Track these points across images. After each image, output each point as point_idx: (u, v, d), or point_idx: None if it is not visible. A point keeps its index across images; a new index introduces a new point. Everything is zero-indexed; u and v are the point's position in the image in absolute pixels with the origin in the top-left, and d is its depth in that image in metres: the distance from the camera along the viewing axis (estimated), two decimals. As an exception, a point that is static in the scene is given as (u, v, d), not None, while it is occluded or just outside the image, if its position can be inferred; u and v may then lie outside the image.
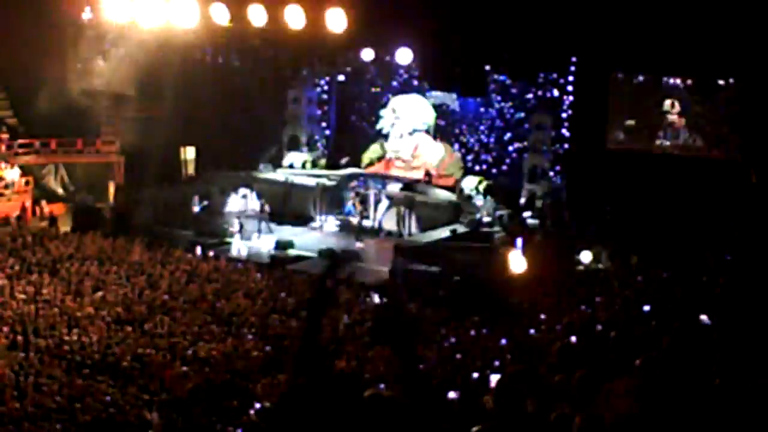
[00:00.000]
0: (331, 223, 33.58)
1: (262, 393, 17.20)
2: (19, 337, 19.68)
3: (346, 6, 29.10)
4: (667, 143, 32.22)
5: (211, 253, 29.22)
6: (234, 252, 30.54)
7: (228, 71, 34.98)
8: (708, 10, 27.39)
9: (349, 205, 33.92)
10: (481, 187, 33.31)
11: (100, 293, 23.34)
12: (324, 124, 40.08)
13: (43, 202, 35.00)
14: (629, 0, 28.98)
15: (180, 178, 37.25)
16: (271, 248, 30.81)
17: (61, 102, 34.84)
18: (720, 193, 28.58)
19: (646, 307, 18.12)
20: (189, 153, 38.04)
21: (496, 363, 16.45)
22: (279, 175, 36.48)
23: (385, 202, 33.10)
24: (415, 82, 36.39)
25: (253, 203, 33.29)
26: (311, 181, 35.15)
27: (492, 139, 36.15)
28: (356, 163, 37.16)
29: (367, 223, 33.38)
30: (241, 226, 31.40)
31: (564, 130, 33.32)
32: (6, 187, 34.31)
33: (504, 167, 35.75)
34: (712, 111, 31.58)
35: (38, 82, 34.19)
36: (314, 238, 32.22)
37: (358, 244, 31.07)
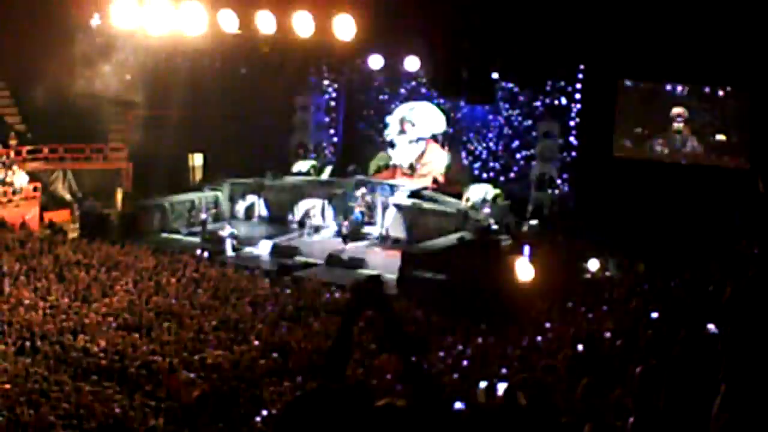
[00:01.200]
0: (331, 229, 33.71)
1: (269, 400, 17.20)
2: (27, 343, 19.71)
3: (354, 14, 29.10)
4: (675, 151, 32.16)
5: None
6: (228, 253, 31.01)
7: (236, 78, 35.01)
8: (716, 17, 27.37)
9: (356, 212, 33.98)
10: (489, 195, 33.32)
11: (107, 299, 23.36)
12: (332, 132, 40.11)
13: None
14: (637, 8, 28.95)
15: (188, 184, 37.30)
16: (268, 253, 31.10)
17: (69, 108, 34.94)
18: (728, 201, 28.50)
19: (654, 315, 18.07)
20: (197, 160, 38.09)
21: (504, 371, 16.43)
22: (286, 182, 36.61)
23: (392, 210, 33.14)
24: (423, 90, 36.40)
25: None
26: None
27: (500, 147, 36.13)
28: (363, 170, 37.19)
29: (370, 229, 33.53)
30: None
31: (572, 138, 33.29)
32: (14, 193, 34.38)
33: (512, 175, 35.73)
34: (720, 119, 31.52)
35: (46, 89, 34.26)
36: (319, 244, 32.36)
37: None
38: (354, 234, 32.73)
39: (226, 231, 31.64)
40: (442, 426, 4.14)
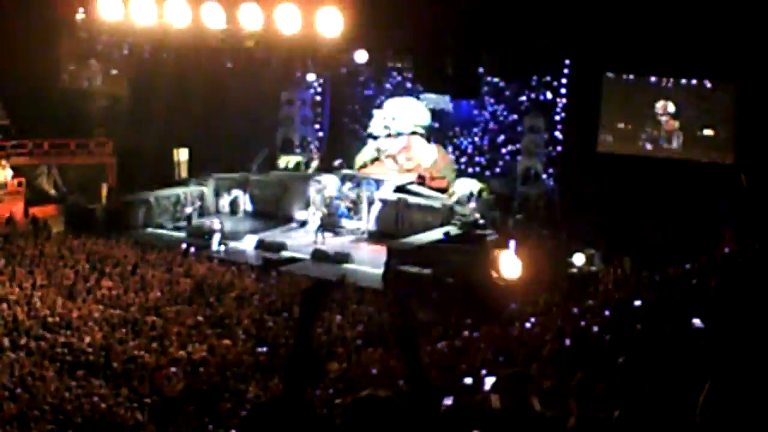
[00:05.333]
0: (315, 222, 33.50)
1: (254, 395, 17.20)
2: (12, 339, 19.64)
3: (340, 8, 29.07)
4: (660, 146, 32.18)
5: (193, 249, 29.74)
6: (214, 248, 30.87)
7: (221, 72, 34.91)
8: (702, 10, 27.40)
9: (342, 207, 33.94)
10: (475, 190, 33.35)
11: (92, 295, 23.30)
12: (317, 126, 40.05)
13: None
14: (623, 2, 29.02)
15: (173, 179, 37.20)
16: (253, 247, 31.07)
17: (54, 103, 34.76)
18: (712, 195, 28.56)
19: (639, 310, 18.11)
20: (182, 154, 38.00)
21: (489, 366, 16.44)
22: (272, 176, 36.56)
23: (378, 204, 33.12)
24: (409, 85, 36.39)
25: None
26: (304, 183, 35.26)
27: (485, 142, 36.12)
28: (349, 165, 37.15)
29: (356, 224, 33.53)
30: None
31: (557, 133, 33.32)
32: (-1, 188, 34.16)
33: (497, 169, 35.74)
34: (706, 113, 31.54)
35: (31, 83, 34.06)
36: (306, 239, 32.30)
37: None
38: (329, 226, 32.76)
39: (213, 225, 31.64)
40: (426, 418, 4.15)
